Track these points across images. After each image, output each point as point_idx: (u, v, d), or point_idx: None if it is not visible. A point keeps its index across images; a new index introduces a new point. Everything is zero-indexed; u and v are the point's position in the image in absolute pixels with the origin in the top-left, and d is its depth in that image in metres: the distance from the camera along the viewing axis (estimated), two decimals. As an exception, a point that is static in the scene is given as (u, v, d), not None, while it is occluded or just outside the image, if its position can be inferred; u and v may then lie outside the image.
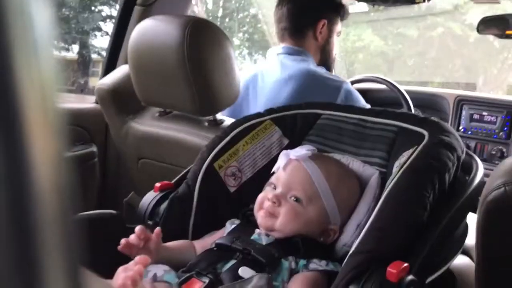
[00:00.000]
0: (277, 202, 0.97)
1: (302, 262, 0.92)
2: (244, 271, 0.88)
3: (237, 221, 1.04)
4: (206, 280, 0.87)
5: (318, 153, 1.07)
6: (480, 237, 0.82)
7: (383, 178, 1.02)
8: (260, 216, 0.98)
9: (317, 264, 0.91)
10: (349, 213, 1.00)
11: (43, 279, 0.21)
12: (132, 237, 0.91)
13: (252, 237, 0.97)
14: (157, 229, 0.95)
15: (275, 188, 1.00)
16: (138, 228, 0.92)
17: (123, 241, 0.91)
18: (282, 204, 0.97)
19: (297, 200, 0.97)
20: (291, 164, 1.01)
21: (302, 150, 1.02)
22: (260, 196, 1.01)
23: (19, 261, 0.21)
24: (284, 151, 1.04)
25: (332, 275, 0.88)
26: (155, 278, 0.91)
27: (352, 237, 0.97)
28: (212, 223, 1.08)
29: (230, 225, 1.03)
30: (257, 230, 0.98)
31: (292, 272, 0.91)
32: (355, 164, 1.07)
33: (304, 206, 0.97)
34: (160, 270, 0.91)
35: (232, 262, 0.91)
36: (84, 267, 0.24)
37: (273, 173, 1.05)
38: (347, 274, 0.81)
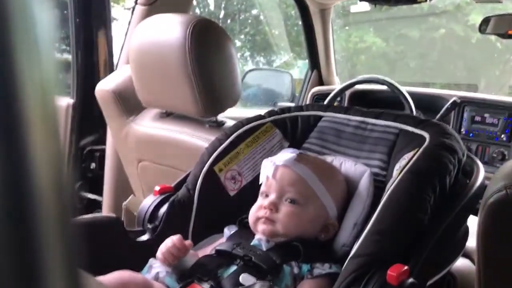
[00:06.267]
0: (274, 209, 0.97)
1: (305, 267, 0.92)
2: (245, 278, 0.88)
3: (234, 227, 1.04)
4: (207, 286, 0.87)
5: (302, 154, 1.07)
6: (481, 240, 0.82)
7: (384, 181, 1.02)
8: (259, 224, 0.98)
9: (320, 269, 0.91)
10: (343, 209, 1.01)
11: (43, 282, 0.21)
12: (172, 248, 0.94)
13: (252, 243, 0.96)
14: (188, 242, 0.96)
15: (267, 196, 1.00)
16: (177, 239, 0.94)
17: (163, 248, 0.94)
18: (279, 209, 0.97)
19: (293, 202, 0.97)
20: (279, 171, 1.00)
21: (286, 155, 1.02)
22: (253, 207, 1.01)
23: (18, 264, 0.21)
24: (266, 160, 1.04)
25: (335, 277, 0.88)
26: (156, 277, 0.91)
27: (350, 236, 0.97)
28: (212, 227, 1.08)
29: (228, 231, 1.03)
30: (257, 236, 0.98)
31: (296, 278, 0.91)
32: (347, 163, 1.07)
33: (302, 206, 0.97)
34: (163, 270, 0.92)
35: (233, 268, 0.91)
36: (83, 270, 0.24)
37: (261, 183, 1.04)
38: (348, 277, 0.81)
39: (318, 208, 0.98)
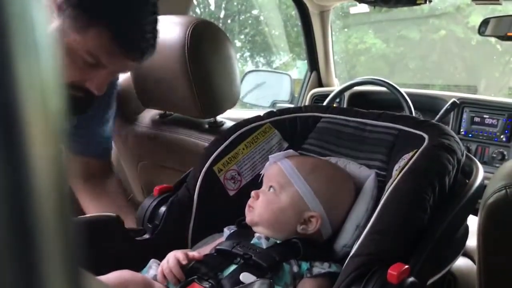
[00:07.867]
0: (256, 196, 1.01)
1: (304, 265, 0.92)
2: (245, 277, 0.88)
3: (233, 227, 1.05)
4: (207, 286, 0.87)
5: (297, 154, 1.11)
6: (482, 239, 0.82)
7: (383, 181, 1.02)
8: (247, 214, 1.02)
9: (319, 267, 0.92)
10: (343, 209, 1.01)
11: (43, 281, 0.21)
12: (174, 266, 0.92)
13: (252, 241, 0.97)
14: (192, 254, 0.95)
15: None
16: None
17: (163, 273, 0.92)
18: (260, 197, 1.01)
19: (270, 189, 1.01)
20: (269, 166, 1.05)
21: (279, 153, 1.07)
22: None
23: (18, 263, 0.21)
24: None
25: (334, 276, 0.88)
26: (155, 278, 0.92)
27: (352, 238, 0.97)
28: (212, 227, 1.08)
29: (228, 231, 1.04)
30: (256, 234, 0.98)
31: (296, 276, 0.91)
32: (351, 166, 1.08)
33: (277, 194, 0.99)
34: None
35: (233, 267, 0.91)
36: (84, 270, 0.24)
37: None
38: (348, 277, 0.81)
39: (291, 197, 0.99)
